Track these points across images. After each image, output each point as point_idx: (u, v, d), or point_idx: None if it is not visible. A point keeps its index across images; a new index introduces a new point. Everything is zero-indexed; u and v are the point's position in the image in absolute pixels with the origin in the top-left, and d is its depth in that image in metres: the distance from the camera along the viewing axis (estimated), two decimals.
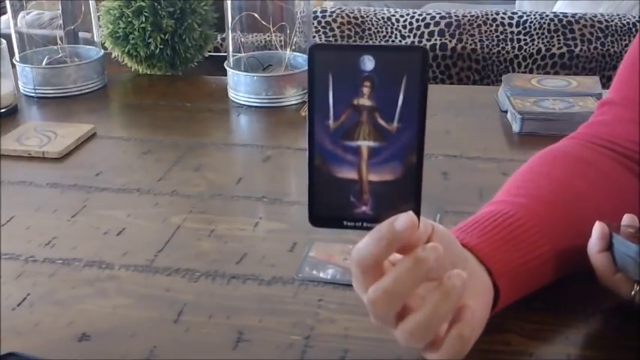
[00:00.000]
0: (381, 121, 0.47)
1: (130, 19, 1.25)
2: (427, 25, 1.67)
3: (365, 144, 0.48)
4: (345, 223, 0.49)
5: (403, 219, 0.48)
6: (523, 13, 1.70)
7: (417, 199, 0.48)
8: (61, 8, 1.35)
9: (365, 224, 0.49)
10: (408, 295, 0.50)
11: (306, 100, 1.21)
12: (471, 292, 0.53)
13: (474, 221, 0.63)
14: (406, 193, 0.48)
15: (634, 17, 1.68)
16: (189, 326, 0.64)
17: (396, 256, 0.51)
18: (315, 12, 1.68)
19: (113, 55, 1.31)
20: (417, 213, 0.48)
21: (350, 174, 0.48)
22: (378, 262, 0.49)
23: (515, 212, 0.63)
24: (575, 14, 1.68)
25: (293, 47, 1.23)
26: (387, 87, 0.47)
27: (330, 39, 1.66)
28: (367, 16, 1.71)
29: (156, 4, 1.24)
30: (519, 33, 1.65)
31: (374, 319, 0.52)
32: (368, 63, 0.47)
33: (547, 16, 1.68)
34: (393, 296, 0.49)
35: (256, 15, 1.19)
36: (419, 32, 1.67)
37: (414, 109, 0.47)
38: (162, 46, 1.26)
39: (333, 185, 0.49)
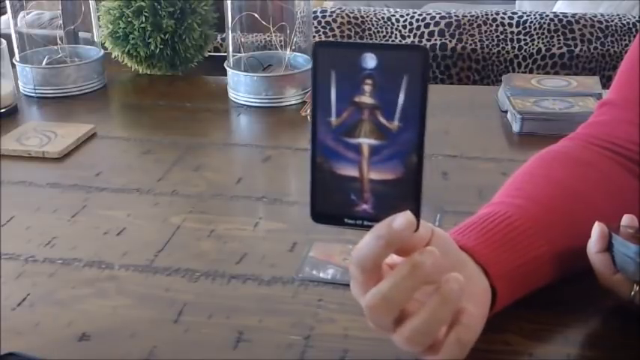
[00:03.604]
0: (382, 120, 0.47)
1: (130, 19, 1.25)
2: (427, 25, 1.67)
3: (366, 142, 0.48)
4: (346, 220, 0.49)
5: (401, 218, 0.48)
6: (523, 13, 1.70)
7: (417, 199, 0.48)
8: (61, 8, 1.35)
9: (365, 223, 0.49)
10: (405, 300, 0.50)
11: (307, 99, 1.21)
12: (469, 295, 0.53)
13: (472, 223, 0.63)
14: (406, 192, 0.48)
15: (634, 17, 1.68)
16: (189, 326, 0.64)
17: (395, 260, 0.51)
18: (315, 12, 1.68)
19: (113, 55, 1.31)
20: (417, 213, 0.48)
21: (351, 171, 0.48)
22: (377, 262, 0.49)
23: (512, 214, 0.63)
24: (575, 14, 1.67)
25: (293, 47, 1.22)
26: (388, 85, 0.47)
27: (330, 39, 1.66)
28: (367, 16, 1.71)
29: (156, 4, 1.24)
30: (519, 33, 1.65)
31: (372, 325, 0.52)
32: (370, 61, 0.47)
33: (547, 16, 1.68)
34: (390, 302, 0.49)
35: (256, 15, 1.19)
36: (419, 32, 1.67)
37: (415, 109, 0.47)
38: (162, 46, 1.26)
39: (335, 182, 0.49)
